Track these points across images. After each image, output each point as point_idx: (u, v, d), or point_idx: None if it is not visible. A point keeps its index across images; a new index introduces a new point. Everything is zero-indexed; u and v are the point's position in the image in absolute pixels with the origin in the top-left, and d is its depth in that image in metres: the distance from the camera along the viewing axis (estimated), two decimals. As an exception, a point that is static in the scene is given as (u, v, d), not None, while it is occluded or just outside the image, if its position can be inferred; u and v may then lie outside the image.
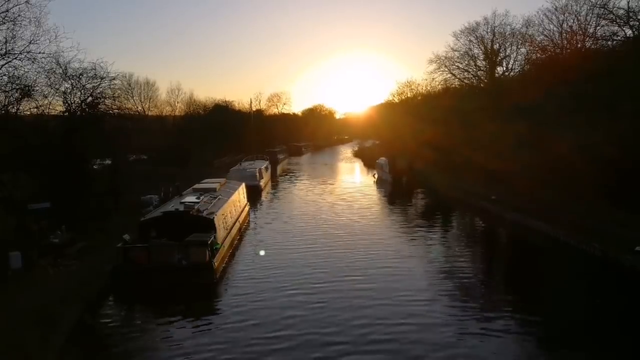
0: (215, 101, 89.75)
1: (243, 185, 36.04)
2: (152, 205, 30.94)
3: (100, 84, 29.57)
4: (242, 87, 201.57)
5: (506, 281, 21.43)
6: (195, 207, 23.34)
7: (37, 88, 26.42)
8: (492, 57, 52.59)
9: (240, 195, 33.06)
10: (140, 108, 70.14)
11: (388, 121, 74.57)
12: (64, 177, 25.85)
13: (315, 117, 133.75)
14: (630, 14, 31.92)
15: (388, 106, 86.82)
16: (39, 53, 24.38)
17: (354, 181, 58.82)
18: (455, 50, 54.56)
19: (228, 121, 77.12)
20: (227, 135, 72.30)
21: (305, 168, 76.62)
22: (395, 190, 47.65)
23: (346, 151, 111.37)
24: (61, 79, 28.17)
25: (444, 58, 55.58)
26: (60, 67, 27.74)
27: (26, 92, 25.45)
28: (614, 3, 33.28)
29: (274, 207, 40.58)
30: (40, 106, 27.04)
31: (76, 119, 29.10)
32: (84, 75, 28.95)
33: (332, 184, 54.25)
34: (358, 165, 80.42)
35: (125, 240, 20.56)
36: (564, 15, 40.87)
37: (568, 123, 29.40)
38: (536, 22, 45.20)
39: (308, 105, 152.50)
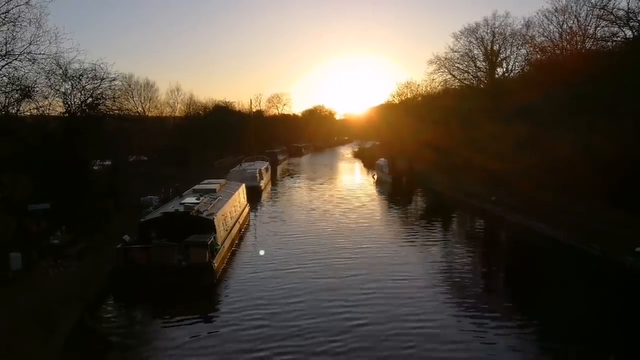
0: (215, 102, 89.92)
1: (243, 186, 36.04)
2: (152, 206, 30.93)
3: (100, 84, 29.59)
4: (242, 88, 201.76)
5: (506, 281, 21.50)
6: (195, 208, 23.34)
7: (37, 89, 26.44)
8: (492, 58, 52.62)
9: (240, 196, 33.04)
10: (140, 109, 70.10)
11: (388, 122, 74.58)
12: (64, 178, 25.82)
13: (316, 118, 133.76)
14: (630, 15, 31.94)
15: (388, 107, 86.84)
16: (39, 54, 24.36)
17: (353, 182, 58.82)
18: (455, 51, 54.69)
19: (228, 122, 77.10)
20: (227, 136, 72.32)
21: (305, 169, 76.63)
22: (395, 191, 47.64)
23: (346, 152, 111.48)
24: (61, 80, 28.21)
25: (444, 59, 55.71)
26: (61, 68, 27.78)
27: (26, 93, 25.43)
28: (614, 4, 33.37)
29: (274, 208, 40.56)
30: (41, 107, 27.06)
31: (76, 119, 29.08)
32: (84, 76, 28.98)
33: (332, 185, 54.26)
34: (358, 165, 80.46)
35: (125, 241, 20.54)
36: (564, 16, 41.01)
37: (568, 124, 29.40)
38: (536, 23, 45.36)
39: (308, 106, 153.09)
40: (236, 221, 28.59)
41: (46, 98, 27.38)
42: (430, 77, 58.81)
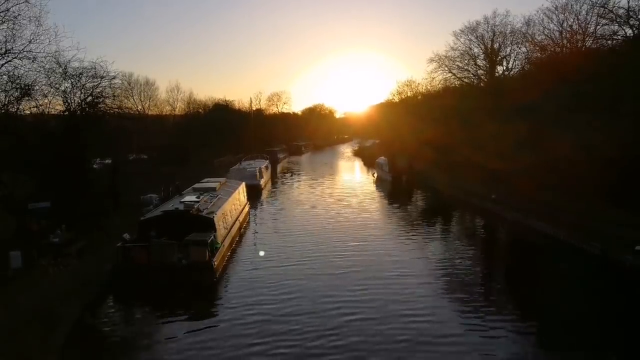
0: (215, 100, 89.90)
1: (243, 184, 36.05)
2: (152, 204, 30.94)
3: (100, 83, 29.56)
4: (242, 87, 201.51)
5: (505, 279, 21.51)
6: (195, 206, 23.34)
7: (37, 87, 26.35)
8: (492, 56, 52.62)
9: (240, 195, 33.06)
10: (140, 107, 70.21)
11: (388, 120, 74.54)
12: (64, 177, 25.81)
13: (316, 116, 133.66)
14: (630, 13, 31.96)
15: (388, 105, 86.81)
16: (39, 52, 24.34)
17: (353, 180, 58.84)
18: (456, 50, 54.74)
19: (228, 120, 77.10)
20: (227, 134, 72.31)
21: (305, 167, 76.66)
22: (395, 190, 47.65)
23: (346, 150, 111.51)
24: (61, 78, 28.11)
25: (444, 57, 55.74)
26: (60, 67, 27.68)
27: (26, 91, 25.39)
28: (614, 2, 33.34)
29: (274, 206, 40.58)
30: (40, 105, 27.00)
31: (76, 118, 29.04)
32: (84, 75, 28.92)
33: (332, 183, 54.28)
34: (358, 164, 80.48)
35: (125, 239, 20.56)
36: (564, 14, 41.02)
37: (568, 122, 29.38)
38: (536, 21, 45.36)
39: (308, 104, 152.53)
40: (236, 219, 28.60)
41: (46, 96, 27.35)
42: (431, 76, 58.88)
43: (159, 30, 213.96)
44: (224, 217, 24.97)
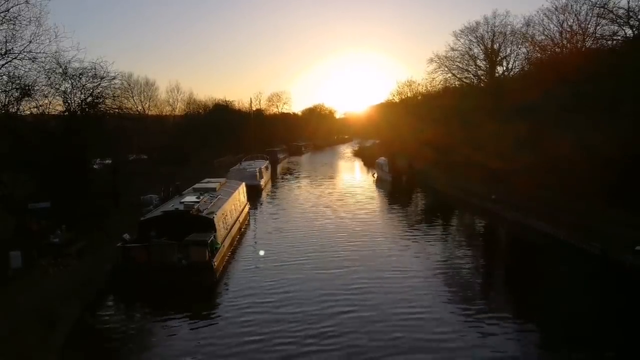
0: (215, 101, 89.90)
1: (243, 184, 36.07)
2: (152, 204, 30.96)
3: (100, 83, 29.59)
4: (242, 87, 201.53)
5: (505, 279, 21.55)
6: (195, 206, 23.35)
7: (37, 88, 26.39)
8: (492, 56, 52.60)
9: (240, 195, 33.07)
10: (140, 108, 70.17)
11: (388, 121, 74.54)
12: (64, 177, 25.84)
13: (316, 116, 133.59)
14: (630, 14, 31.93)
15: (388, 106, 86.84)
16: (39, 53, 24.37)
17: (353, 180, 58.85)
18: (456, 50, 54.66)
19: (228, 121, 77.11)
20: (227, 134, 72.31)
21: (305, 167, 76.66)
22: (395, 190, 47.69)
23: (346, 150, 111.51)
24: (61, 79, 28.14)
25: (444, 57, 55.65)
26: (60, 67, 27.71)
27: (26, 91, 25.43)
28: (614, 3, 33.28)
29: (274, 206, 40.60)
30: (40, 106, 27.02)
31: (76, 118, 29.08)
32: (84, 75, 28.95)
33: (332, 183, 54.29)
34: (358, 164, 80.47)
35: (125, 239, 20.57)
36: (564, 14, 40.96)
37: (568, 122, 29.40)
38: (536, 21, 45.31)
39: (308, 104, 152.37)
40: (236, 220, 28.61)
41: (46, 97, 27.38)
42: (431, 76, 58.77)
43: (159, 30, 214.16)
44: (224, 218, 24.98)
